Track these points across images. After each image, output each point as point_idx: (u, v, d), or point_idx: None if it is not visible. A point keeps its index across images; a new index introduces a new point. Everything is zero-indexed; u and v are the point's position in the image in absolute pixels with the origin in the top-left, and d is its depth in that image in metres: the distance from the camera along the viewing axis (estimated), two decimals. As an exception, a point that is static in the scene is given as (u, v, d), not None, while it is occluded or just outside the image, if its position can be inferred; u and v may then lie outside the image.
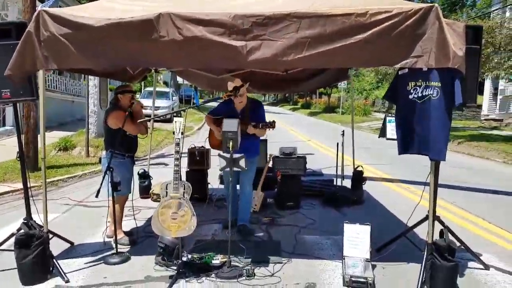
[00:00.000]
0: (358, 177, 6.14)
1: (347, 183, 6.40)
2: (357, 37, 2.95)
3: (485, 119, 21.69)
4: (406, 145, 3.38)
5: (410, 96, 3.26)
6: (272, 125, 4.24)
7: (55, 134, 11.71)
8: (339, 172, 6.42)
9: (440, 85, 3.09)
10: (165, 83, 31.07)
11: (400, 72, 3.31)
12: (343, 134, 6.22)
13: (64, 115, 15.58)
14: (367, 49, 2.99)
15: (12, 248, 3.32)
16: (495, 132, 17.43)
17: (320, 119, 28.33)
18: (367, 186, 6.41)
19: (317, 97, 41.81)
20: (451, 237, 3.47)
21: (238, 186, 4.62)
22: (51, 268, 3.38)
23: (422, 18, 2.94)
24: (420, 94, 3.18)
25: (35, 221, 3.58)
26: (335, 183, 6.50)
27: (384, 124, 16.73)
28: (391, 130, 16.40)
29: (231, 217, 3.63)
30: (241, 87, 4.13)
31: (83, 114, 10.19)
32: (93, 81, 10.74)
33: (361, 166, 6.25)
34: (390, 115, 17.45)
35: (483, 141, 13.71)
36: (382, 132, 16.61)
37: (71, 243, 4.10)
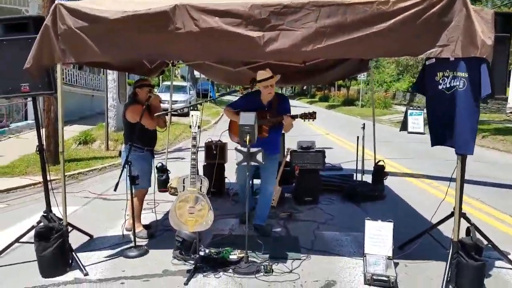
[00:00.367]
0: (379, 172, 5.99)
1: (367, 178, 6.26)
2: (379, 26, 2.83)
3: (511, 112, 20.94)
4: (437, 137, 3.33)
5: (440, 87, 3.16)
6: (313, 115, 4.01)
7: (75, 128, 11.93)
8: (359, 167, 6.28)
9: (467, 75, 2.95)
10: (183, 77, 31.22)
11: (427, 62, 3.19)
12: (363, 128, 6.07)
13: (84, 109, 15.86)
14: (390, 38, 2.87)
15: (33, 241, 3.36)
16: (521, 125, 16.80)
17: (339, 112, 27.95)
18: (388, 181, 6.24)
19: (336, 90, 41.17)
20: (477, 235, 3.32)
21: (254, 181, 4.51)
22: (70, 261, 3.40)
23: (448, 5, 2.80)
24: (448, 85, 3.07)
25: (54, 214, 3.61)
26: (355, 177, 6.37)
27: (405, 117, 16.35)
28: (413, 123, 16.04)
29: (248, 208, 3.62)
30: (270, 79, 3.94)
31: (102, 108, 10.32)
32: (112, 76, 10.84)
33: (383, 161, 6.09)
34: (411, 108, 17.06)
35: (508, 135, 13.23)
36: (404, 126, 16.25)
37: (90, 236, 4.13)
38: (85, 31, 3.11)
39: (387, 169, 6.22)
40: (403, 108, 25.37)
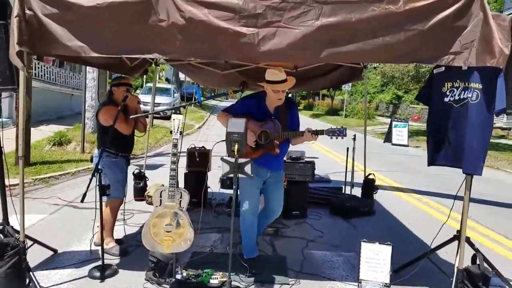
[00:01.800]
0: (369, 186, 5.72)
1: (356, 191, 5.98)
2: (388, 27, 2.53)
3: (492, 127, 21.22)
4: (437, 156, 2.97)
5: (446, 99, 2.85)
6: (342, 133, 3.23)
7: (51, 128, 11.31)
8: (349, 179, 6.00)
9: (481, 87, 2.68)
10: (167, 80, 30.69)
11: (435, 71, 2.89)
12: (354, 139, 5.80)
13: (62, 109, 15.20)
14: (398, 42, 2.56)
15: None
16: (503, 141, 17.02)
17: (323, 121, 27.80)
18: (377, 195, 5.97)
19: (320, 99, 41.29)
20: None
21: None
22: (27, 282, 2.95)
23: (464, 8, 2.52)
24: (457, 97, 2.78)
25: (12, 227, 3.17)
26: (343, 191, 6.08)
27: (390, 129, 16.31)
28: (397, 135, 16.01)
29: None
30: (284, 82, 3.23)
31: (82, 108, 9.77)
32: (92, 74, 10.31)
33: (373, 174, 5.83)
34: (396, 119, 17.06)
35: (491, 150, 13.27)
36: (388, 137, 16.20)
37: (55, 250, 3.68)
38: (55, 19, 2.70)
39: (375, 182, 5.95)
40: (386, 120, 25.50)
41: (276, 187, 3.57)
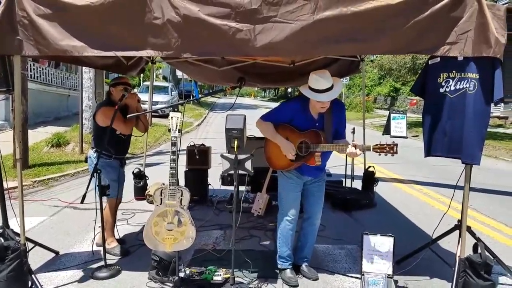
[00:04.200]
0: (370, 178, 5.72)
1: (356, 184, 5.99)
2: (383, 19, 2.52)
3: (489, 117, 21.22)
4: (433, 147, 2.95)
5: (441, 90, 2.83)
6: (392, 149, 2.96)
7: (49, 129, 11.28)
8: (349, 172, 6.00)
9: (478, 77, 2.67)
10: (165, 78, 30.59)
11: (430, 62, 2.87)
12: (353, 132, 5.80)
13: (59, 110, 15.16)
14: (394, 34, 2.56)
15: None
16: (500, 130, 17.05)
17: (322, 116, 27.86)
18: (377, 188, 5.98)
19: (318, 93, 41.23)
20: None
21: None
22: (30, 284, 2.95)
23: None
24: (452, 88, 2.77)
25: (12, 230, 3.15)
26: (343, 184, 6.08)
27: (388, 121, 16.25)
28: (396, 127, 15.94)
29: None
30: (329, 90, 2.93)
31: (79, 108, 9.75)
32: (88, 74, 10.28)
33: (373, 167, 5.83)
34: (394, 111, 17.03)
35: (489, 139, 13.30)
36: (386, 130, 16.11)
37: (56, 252, 3.68)
38: (48, 19, 2.68)
39: (375, 174, 5.96)
40: (384, 112, 25.53)
41: (318, 188, 3.35)
